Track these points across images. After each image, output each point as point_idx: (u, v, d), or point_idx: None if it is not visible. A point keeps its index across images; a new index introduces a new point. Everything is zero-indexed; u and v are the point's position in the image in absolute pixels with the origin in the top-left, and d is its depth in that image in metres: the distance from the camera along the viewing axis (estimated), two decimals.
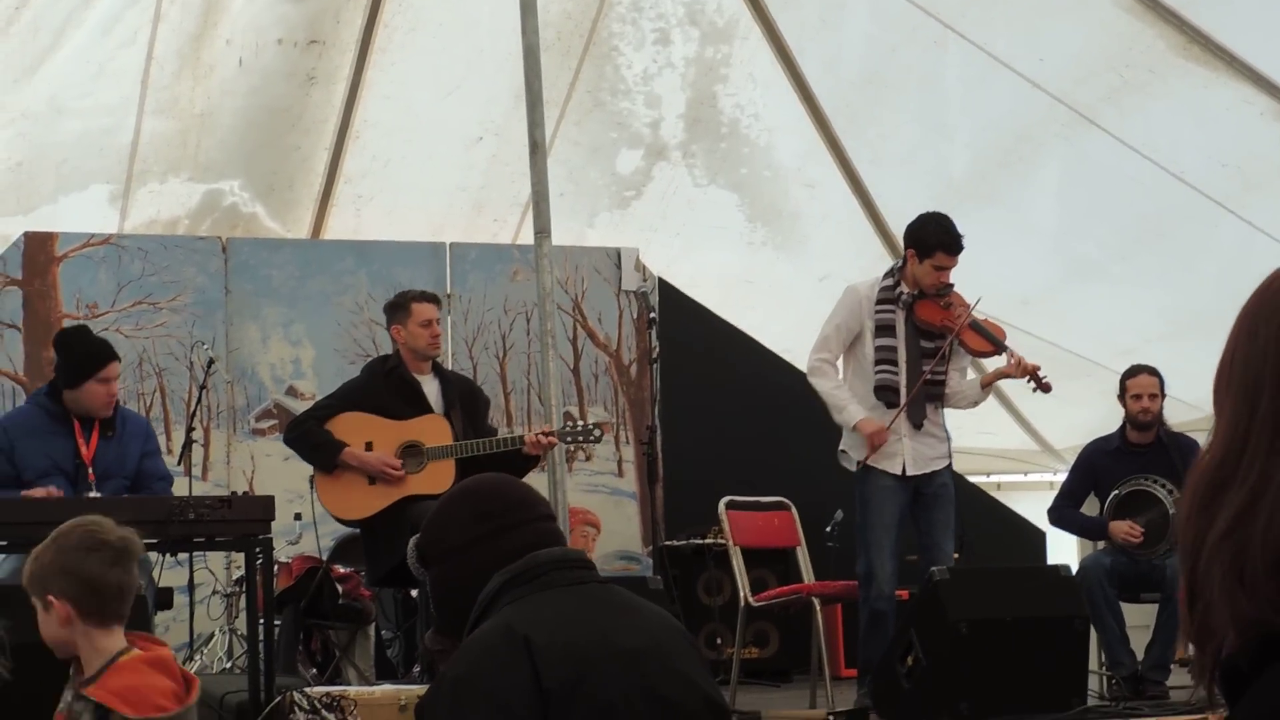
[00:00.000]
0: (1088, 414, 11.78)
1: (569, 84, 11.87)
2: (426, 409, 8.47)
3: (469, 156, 12.17)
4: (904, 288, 8.32)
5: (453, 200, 12.47)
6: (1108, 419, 9.38)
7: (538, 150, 9.55)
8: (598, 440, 8.95)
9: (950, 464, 8.41)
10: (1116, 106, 10.93)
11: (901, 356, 8.26)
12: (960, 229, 8.27)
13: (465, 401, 8.65)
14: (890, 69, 11.64)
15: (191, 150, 11.68)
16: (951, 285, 8.34)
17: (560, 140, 11.97)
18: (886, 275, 8.44)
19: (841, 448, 8.45)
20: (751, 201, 12.67)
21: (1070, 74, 10.93)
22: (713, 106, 12.14)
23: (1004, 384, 9.65)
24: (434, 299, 8.73)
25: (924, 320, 8.28)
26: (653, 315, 10.85)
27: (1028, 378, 8.27)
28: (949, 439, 8.39)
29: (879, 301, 8.35)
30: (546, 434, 8.45)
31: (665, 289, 12.34)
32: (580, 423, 8.86)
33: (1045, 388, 8.31)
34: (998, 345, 8.36)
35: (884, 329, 8.32)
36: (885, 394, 8.25)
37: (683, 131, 12.30)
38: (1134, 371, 9.34)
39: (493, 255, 12.23)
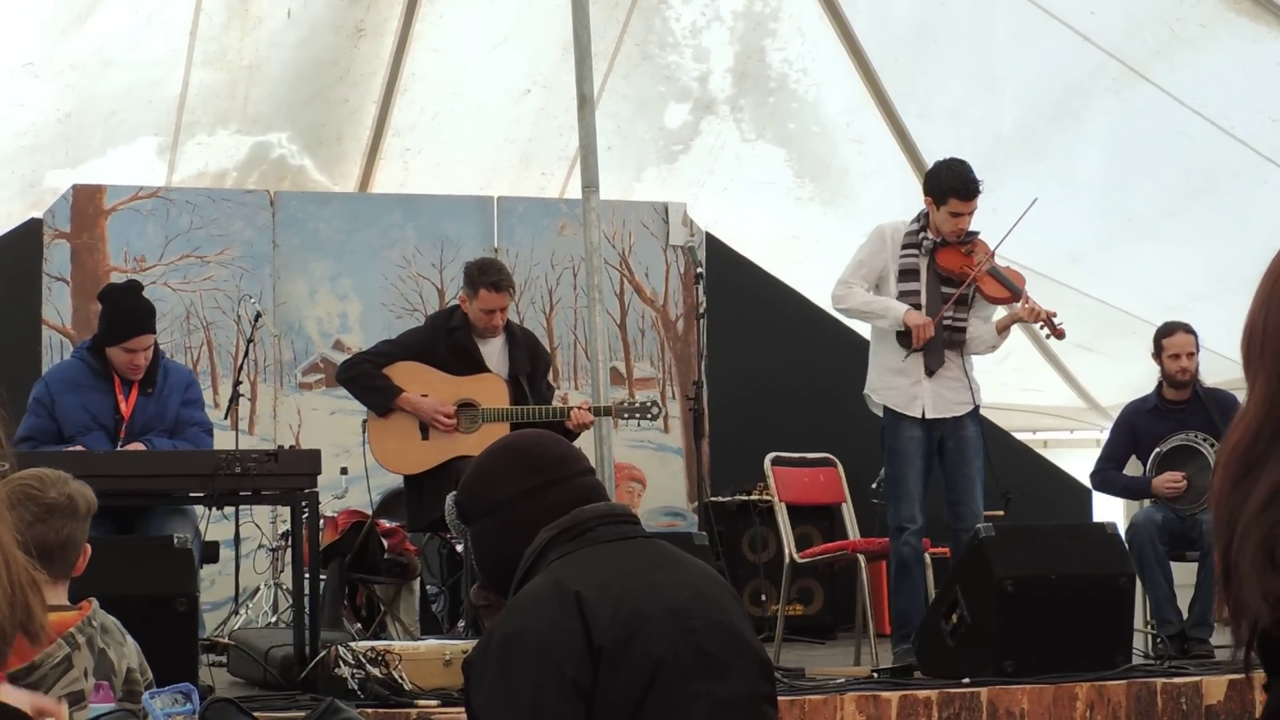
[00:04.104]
0: (1135, 371, 11.71)
1: (617, 37, 11.83)
2: (483, 371, 8.44)
3: (516, 109, 12.15)
4: (928, 233, 8.29)
5: (500, 153, 12.45)
6: (1155, 376, 9.32)
7: (585, 104, 9.54)
8: (654, 418, 8.90)
9: (975, 410, 8.32)
10: (1167, 61, 10.86)
11: (923, 302, 8.23)
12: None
13: (532, 363, 8.61)
14: (939, 22, 11.58)
15: (239, 102, 11.69)
16: (976, 233, 8.30)
17: (608, 94, 11.94)
18: (914, 220, 8.40)
19: (866, 390, 8.42)
20: (799, 157, 12.63)
21: (1120, 27, 10.86)
22: (761, 61, 12.09)
23: (1051, 342, 9.62)
24: (506, 287, 8.51)
25: (944, 267, 8.24)
26: (699, 270, 10.78)
27: (1041, 323, 8.22)
28: (974, 388, 8.31)
29: (904, 246, 8.32)
30: (589, 410, 8.44)
31: (712, 244, 12.30)
32: (637, 401, 8.80)
33: (1059, 334, 8.28)
34: (1015, 292, 8.31)
35: (907, 273, 8.29)
36: (906, 339, 8.21)
37: (731, 86, 12.25)
38: (1170, 330, 9.22)
39: (540, 209, 12.22)
